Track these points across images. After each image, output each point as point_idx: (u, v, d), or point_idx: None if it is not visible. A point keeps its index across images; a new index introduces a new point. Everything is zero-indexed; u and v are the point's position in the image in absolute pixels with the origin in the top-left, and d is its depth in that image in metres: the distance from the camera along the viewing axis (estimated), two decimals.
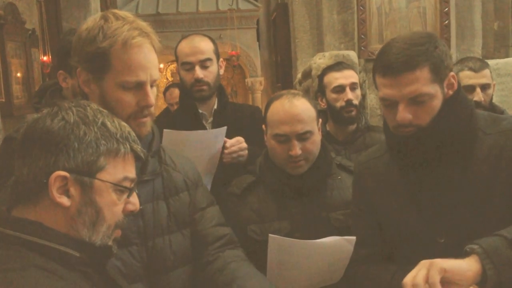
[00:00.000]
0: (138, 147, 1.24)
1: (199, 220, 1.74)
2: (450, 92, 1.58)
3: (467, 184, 1.57)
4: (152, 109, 1.57)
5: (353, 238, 1.66)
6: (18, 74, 5.16)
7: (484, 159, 1.57)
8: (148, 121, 1.57)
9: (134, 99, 1.52)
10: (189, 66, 2.49)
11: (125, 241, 1.54)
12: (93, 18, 1.54)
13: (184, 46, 2.53)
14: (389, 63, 1.52)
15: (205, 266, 1.70)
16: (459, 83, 1.62)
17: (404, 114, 1.53)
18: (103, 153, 1.16)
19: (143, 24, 1.54)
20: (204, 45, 2.52)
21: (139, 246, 1.58)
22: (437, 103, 1.55)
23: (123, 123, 1.24)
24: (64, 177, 1.12)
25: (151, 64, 1.53)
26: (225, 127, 2.28)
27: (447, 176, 1.58)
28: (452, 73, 1.59)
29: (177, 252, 1.66)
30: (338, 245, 1.68)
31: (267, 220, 1.98)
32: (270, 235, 1.63)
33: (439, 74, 1.53)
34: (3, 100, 4.71)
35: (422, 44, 1.52)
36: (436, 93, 1.54)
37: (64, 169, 1.12)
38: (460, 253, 1.53)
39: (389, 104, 1.57)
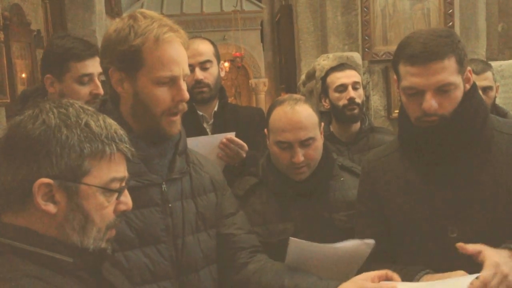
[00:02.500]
0: (125, 146, 1.18)
1: (230, 225, 1.74)
2: (467, 86, 1.63)
3: (483, 179, 1.60)
4: (185, 104, 1.58)
5: (372, 241, 1.65)
6: (23, 75, 5.19)
7: (501, 157, 1.60)
8: (178, 120, 1.59)
9: (168, 95, 1.53)
10: (190, 68, 2.50)
11: (153, 239, 1.55)
12: (120, 20, 1.56)
13: None
14: (418, 52, 1.55)
15: (240, 268, 1.70)
16: (473, 80, 1.66)
17: (431, 102, 1.55)
18: (87, 157, 1.11)
19: (170, 21, 1.57)
20: (203, 48, 2.52)
21: (167, 244, 1.58)
22: (460, 94, 1.59)
23: (109, 121, 1.19)
24: (48, 184, 1.08)
25: (183, 59, 1.56)
26: (233, 133, 2.29)
27: (463, 171, 1.61)
28: (469, 68, 1.63)
29: (205, 251, 1.67)
30: (357, 248, 1.67)
31: (271, 221, 1.98)
32: (290, 238, 1.61)
33: (462, 66, 1.58)
34: (8, 100, 4.74)
35: (447, 36, 1.57)
36: (459, 84, 1.59)
37: (47, 176, 1.08)
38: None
39: (414, 93, 1.59)
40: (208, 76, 2.49)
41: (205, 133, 2.53)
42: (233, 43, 11.89)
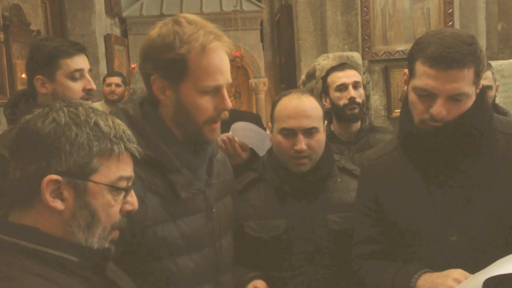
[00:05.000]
0: (133, 146, 1.20)
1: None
2: (477, 91, 1.60)
3: (485, 182, 1.58)
4: (227, 113, 1.58)
5: None
6: (23, 75, 5.18)
7: (503, 159, 1.58)
8: (218, 127, 1.59)
9: (211, 104, 1.53)
10: None
11: (199, 244, 1.59)
12: (163, 24, 1.54)
13: None
14: (439, 54, 1.50)
15: None
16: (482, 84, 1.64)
17: (441, 108, 1.52)
18: (96, 155, 1.13)
19: (214, 27, 1.55)
20: None
21: (209, 248, 1.62)
22: (470, 104, 1.56)
23: (118, 122, 1.20)
24: (57, 181, 1.09)
25: (226, 68, 1.55)
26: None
27: (464, 173, 1.59)
28: None
29: (232, 251, 1.74)
30: None
31: (264, 217, 2.00)
32: None
33: (478, 77, 1.55)
34: None
35: (471, 44, 1.52)
36: (472, 95, 1.56)
37: (56, 173, 1.09)
38: (471, 252, 1.54)
39: (426, 95, 1.55)
40: None
41: None
42: (232, 43, 11.88)
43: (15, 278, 1.03)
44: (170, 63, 1.48)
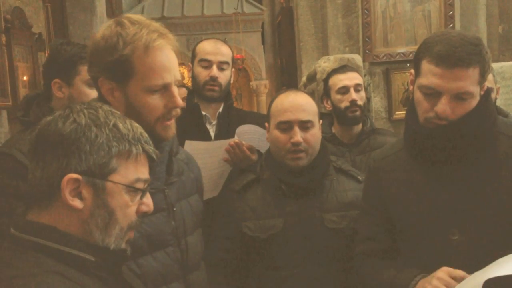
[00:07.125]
0: (150, 148, 1.23)
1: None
2: (481, 92, 1.62)
3: (488, 183, 1.59)
4: (178, 110, 1.57)
5: None
6: (25, 78, 5.20)
7: (507, 161, 1.60)
8: (173, 124, 1.58)
9: (161, 102, 1.52)
10: (207, 64, 2.55)
11: (162, 243, 1.58)
12: (106, 26, 1.52)
13: (207, 45, 2.60)
14: (445, 53, 1.53)
15: None
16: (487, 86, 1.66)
17: (445, 107, 1.55)
18: (115, 155, 1.16)
19: (158, 25, 1.55)
20: (225, 49, 2.61)
21: (174, 247, 1.62)
22: (474, 103, 1.59)
23: (136, 124, 1.24)
24: (77, 180, 1.12)
25: (174, 65, 1.53)
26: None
27: (468, 173, 1.61)
28: None
29: (202, 249, 1.73)
30: None
31: (262, 217, 2.02)
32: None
33: (483, 77, 1.57)
34: (10, 103, 4.74)
35: (477, 45, 1.55)
36: (476, 95, 1.58)
37: (76, 172, 1.12)
38: (472, 251, 1.54)
39: (431, 94, 1.58)
40: (222, 77, 2.55)
41: (208, 134, 2.55)
42: (234, 45, 11.89)
43: (35, 275, 1.05)
44: (115, 65, 1.47)
